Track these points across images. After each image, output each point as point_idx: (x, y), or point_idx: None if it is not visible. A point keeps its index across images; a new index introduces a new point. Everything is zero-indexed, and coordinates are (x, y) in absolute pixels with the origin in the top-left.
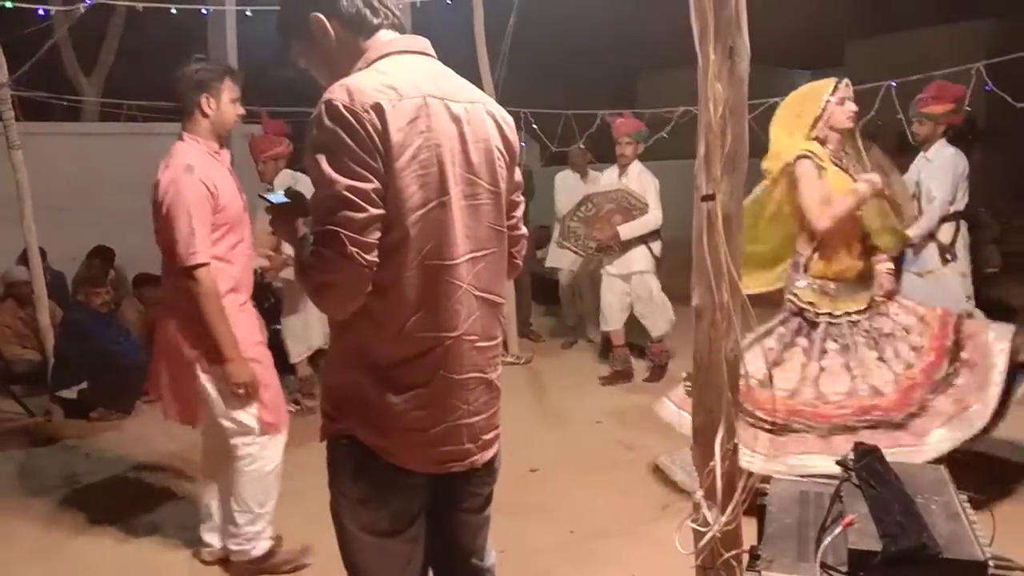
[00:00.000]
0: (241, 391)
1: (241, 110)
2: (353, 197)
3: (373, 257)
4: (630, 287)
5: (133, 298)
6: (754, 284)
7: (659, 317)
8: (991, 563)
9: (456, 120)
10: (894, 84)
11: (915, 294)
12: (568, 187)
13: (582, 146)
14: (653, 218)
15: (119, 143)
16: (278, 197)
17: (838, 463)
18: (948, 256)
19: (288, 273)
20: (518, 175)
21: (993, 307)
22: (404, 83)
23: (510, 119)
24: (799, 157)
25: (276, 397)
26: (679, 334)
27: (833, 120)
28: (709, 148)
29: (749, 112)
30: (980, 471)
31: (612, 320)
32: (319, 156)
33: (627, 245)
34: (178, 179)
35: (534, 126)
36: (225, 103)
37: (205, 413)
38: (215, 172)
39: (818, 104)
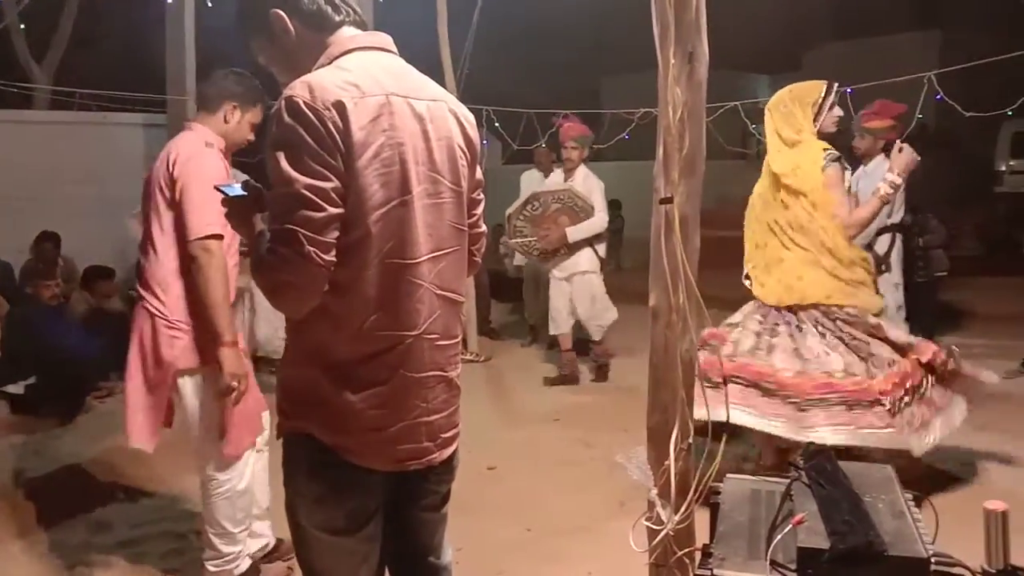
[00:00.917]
0: (234, 383)
1: (252, 137)
2: (312, 196)
3: (331, 257)
4: (572, 287)
5: (83, 291)
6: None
7: (599, 320)
8: (933, 560)
9: (419, 118)
10: (850, 90)
11: None
12: (533, 186)
13: (544, 145)
14: (599, 220)
15: (71, 132)
16: (234, 190)
17: (789, 463)
18: (883, 267)
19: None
20: (479, 173)
21: (941, 312)
22: (366, 80)
23: (471, 117)
24: (832, 160)
25: (245, 419)
26: (640, 332)
27: (823, 125)
28: (667, 151)
29: (708, 116)
30: (924, 469)
31: (561, 324)
32: (278, 153)
33: (573, 247)
34: (197, 154)
35: (496, 124)
36: (246, 122)
37: (172, 421)
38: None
39: (814, 107)
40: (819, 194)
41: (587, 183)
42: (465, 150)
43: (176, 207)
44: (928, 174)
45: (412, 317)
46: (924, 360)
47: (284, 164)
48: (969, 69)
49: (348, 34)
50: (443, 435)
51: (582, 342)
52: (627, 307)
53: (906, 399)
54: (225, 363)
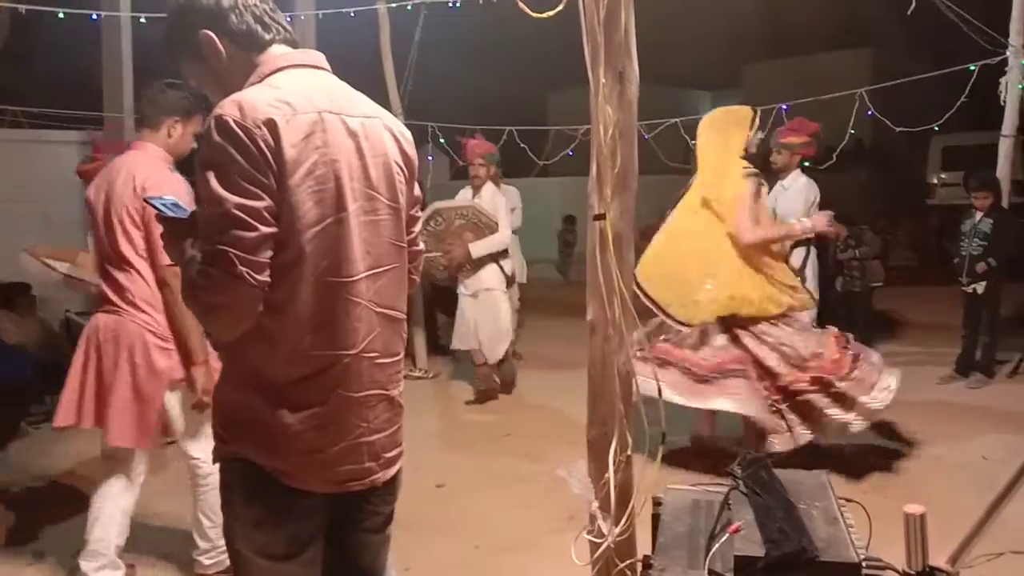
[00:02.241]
0: (206, 398)
1: (195, 144)
2: (243, 216)
3: (264, 277)
4: (477, 303)
5: (3, 310)
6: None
7: (498, 343)
8: (864, 564)
9: (353, 135)
10: (785, 107)
11: None
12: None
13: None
14: (502, 237)
15: (3, 150)
16: (171, 208)
17: (726, 471)
18: (799, 278)
19: None
20: (417, 190)
21: (877, 321)
22: (298, 98)
23: (408, 133)
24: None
25: None
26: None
27: (749, 146)
28: (600, 169)
29: (650, 132)
30: (857, 473)
31: (467, 339)
32: (208, 173)
33: (478, 263)
34: (159, 172)
35: (442, 140)
36: (188, 133)
37: (171, 430)
38: None
39: (746, 131)
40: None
41: (494, 200)
42: (402, 166)
43: (147, 230)
44: (863, 187)
45: (350, 336)
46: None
47: (214, 184)
48: (899, 87)
49: (279, 52)
50: (386, 455)
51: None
52: (578, 321)
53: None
54: (198, 381)
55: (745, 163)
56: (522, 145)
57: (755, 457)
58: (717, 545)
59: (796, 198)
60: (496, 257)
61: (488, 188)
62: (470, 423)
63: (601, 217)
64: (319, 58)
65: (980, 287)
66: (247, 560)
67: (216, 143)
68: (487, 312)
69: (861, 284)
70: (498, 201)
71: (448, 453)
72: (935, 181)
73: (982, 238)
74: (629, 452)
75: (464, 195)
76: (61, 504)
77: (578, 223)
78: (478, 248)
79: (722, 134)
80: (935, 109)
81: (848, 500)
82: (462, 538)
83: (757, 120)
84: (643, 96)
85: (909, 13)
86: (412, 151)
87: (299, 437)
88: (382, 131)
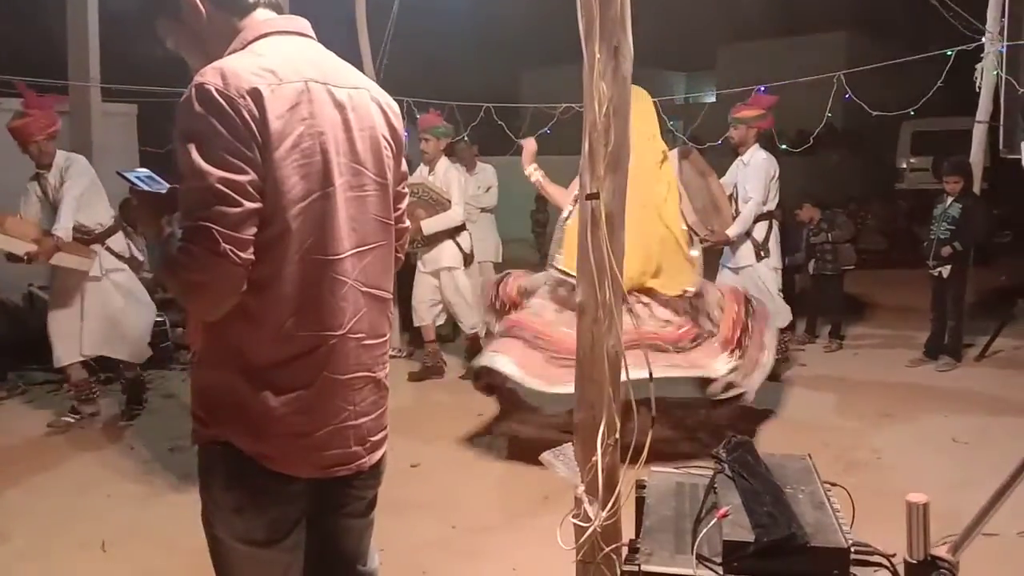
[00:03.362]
0: None
1: None
2: (227, 190)
3: (248, 255)
4: (440, 283)
5: None
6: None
7: (470, 311)
8: (853, 549)
9: (340, 106)
10: (762, 89)
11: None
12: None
13: (466, 139)
14: (455, 214)
15: None
16: (145, 181)
17: (712, 455)
18: (762, 253)
19: (60, 258)
20: (404, 165)
21: (848, 304)
22: (283, 66)
23: (395, 106)
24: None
25: None
26: None
27: None
28: (593, 147)
29: None
30: (840, 458)
31: (423, 315)
32: (189, 145)
33: (433, 241)
34: None
35: (418, 116)
36: None
37: None
38: None
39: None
40: None
41: (447, 176)
42: (390, 141)
43: None
44: (835, 171)
45: (336, 316)
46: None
47: (196, 156)
48: (872, 71)
49: (263, 17)
50: (372, 438)
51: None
52: None
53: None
54: None
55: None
56: (499, 123)
57: (740, 440)
58: (705, 530)
59: (756, 174)
60: (452, 234)
61: (442, 164)
62: (443, 402)
63: (594, 196)
64: (304, 25)
65: (945, 271)
66: (226, 546)
67: (197, 113)
68: (451, 291)
69: (833, 267)
70: (451, 177)
71: (422, 432)
72: (904, 165)
73: (951, 222)
74: (617, 436)
75: (420, 172)
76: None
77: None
78: (429, 225)
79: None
80: (907, 94)
81: (833, 484)
82: (439, 518)
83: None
84: None
85: None
86: (399, 125)
87: (283, 420)
88: (369, 103)
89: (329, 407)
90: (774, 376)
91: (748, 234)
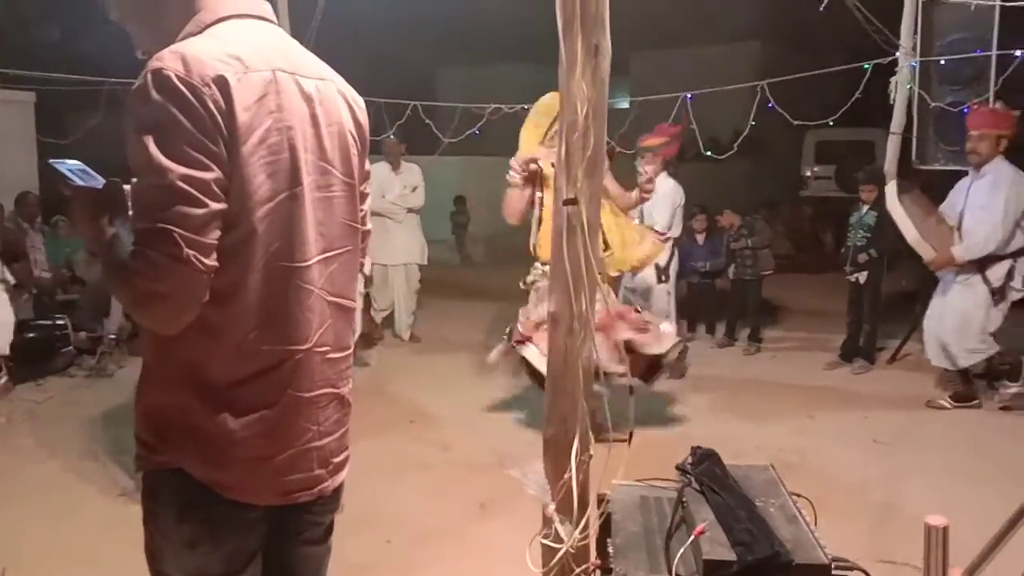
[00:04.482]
0: None
1: None
2: (189, 189)
3: (212, 261)
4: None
5: None
6: None
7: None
8: (833, 564)
9: (308, 99)
10: (689, 96)
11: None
12: (380, 179)
13: (393, 136)
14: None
15: None
16: (78, 174)
17: (677, 467)
18: (663, 277)
19: None
20: (368, 164)
21: (766, 308)
22: (249, 53)
23: (361, 101)
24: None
25: None
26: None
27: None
28: (570, 150)
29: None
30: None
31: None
32: (146, 138)
33: None
34: None
35: None
36: None
37: None
38: None
39: (551, 116)
40: None
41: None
42: (356, 138)
43: None
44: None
45: (302, 328)
46: None
47: (154, 151)
48: (781, 81)
49: None
50: (335, 460)
51: None
52: (475, 303)
53: None
54: None
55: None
56: (427, 122)
57: (706, 452)
58: (683, 549)
59: (664, 201)
60: None
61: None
62: (372, 409)
63: (572, 202)
64: (267, 9)
65: (862, 276)
66: None
67: (156, 103)
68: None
69: (752, 272)
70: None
71: (353, 442)
72: (808, 174)
73: (866, 230)
74: (591, 452)
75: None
76: None
77: (468, 203)
78: None
79: (534, 124)
80: (815, 104)
81: (799, 495)
82: (374, 532)
83: None
84: (528, 78)
85: (821, 9)
86: (365, 121)
87: (244, 444)
88: (336, 96)
89: (293, 428)
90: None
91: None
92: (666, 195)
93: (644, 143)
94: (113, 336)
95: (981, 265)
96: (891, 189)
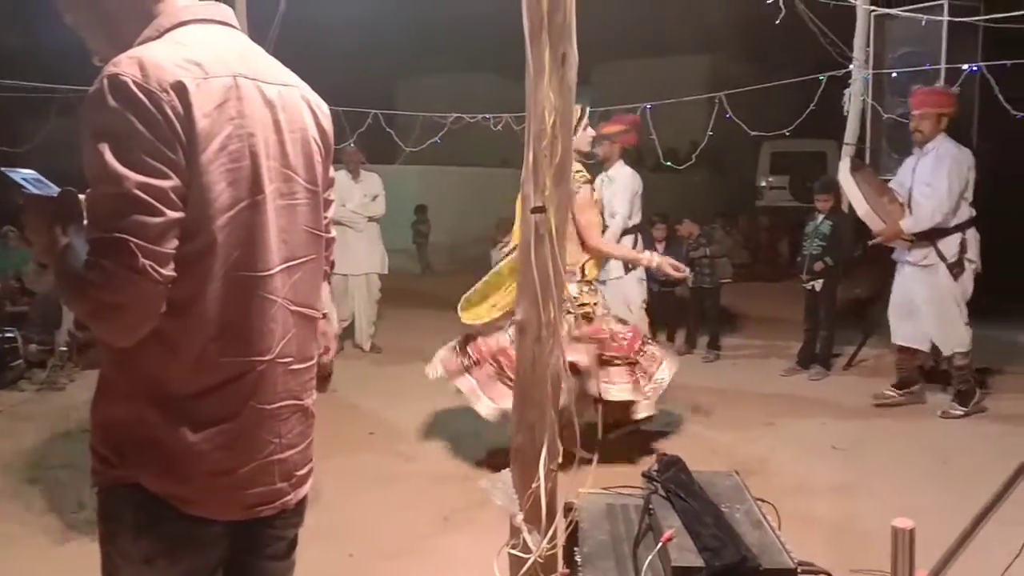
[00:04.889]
0: None
1: None
2: (147, 197)
3: (170, 271)
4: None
5: None
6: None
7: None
8: (799, 568)
9: (270, 105)
10: (649, 106)
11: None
12: (340, 187)
13: (353, 144)
14: None
15: None
16: (33, 183)
17: (643, 475)
18: (630, 266)
19: None
20: (332, 171)
21: (723, 316)
22: (210, 59)
23: (326, 107)
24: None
25: None
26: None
27: (578, 144)
28: (537, 159)
29: (495, 125)
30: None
31: None
32: (101, 145)
33: None
34: None
35: None
36: None
37: None
38: None
39: (574, 128)
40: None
41: None
42: (320, 144)
43: None
44: (699, 188)
45: (265, 339)
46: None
47: (110, 158)
48: (734, 93)
49: (183, 3)
50: (298, 473)
51: None
52: (435, 312)
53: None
54: None
55: (579, 167)
56: (388, 130)
57: (671, 459)
58: (651, 556)
59: (623, 190)
60: None
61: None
62: (333, 420)
63: (540, 210)
64: (228, 14)
65: (818, 284)
66: None
67: (112, 109)
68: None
69: (711, 280)
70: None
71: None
72: (764, 184)
73: (822, 239)
74: (559, 461)
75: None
76: None
77: (428, 212)
78: None
79: None
80: (770, 116)
81: (763, 501)
82: (335, 546)
83: (585, 118)
84: (489, 88)
85: (778, 22)
86: (329, 126)
87: (204, 457)
88: (300, 103)
89: (255, 441)
90: None
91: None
92: (625, 184)
93: (603, 130)
94: (64, 349)
95: (932, 240)
96: (844, 165)
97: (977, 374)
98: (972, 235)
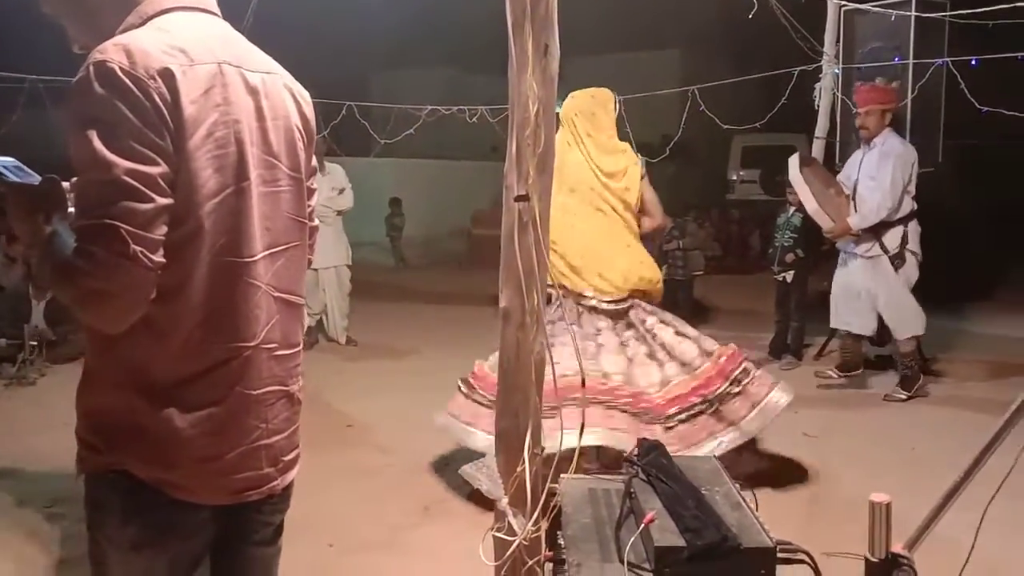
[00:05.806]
0: None
1: None
2: (136, 184)
3: (159, 257)
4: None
5: None
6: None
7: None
8: (778, 547)
9: (253, 92)
10: (621, 100)
11: None
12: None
13: (326, 135)
14: None
15: None
16: (12, 171)
17: (624, 459)
18: None
19: None
20: (314, 159)
21: (695, 308)
22: (194, 45)
23: (307, 95)
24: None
25: None
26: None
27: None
28: (520, 148)
29: (471, 117)
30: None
31: None
32: (89, 132)
33: None
34: None
35: None
36: None
37: None
38: None
39: (614, 112)
40: (637, 193)
41: None
42: (302, 132)
43: None
44: (671, 182)
45: (250, 325)
46: (724, 366)
47: (98, 145)
48: (707, 87)
49: None
50: (285, 458)
51: None
52: (410, 306)
53: (686, 413)
54: None
55: (625, 145)
56: (362, 122)
57: (652, 443)
58: (633, 537)
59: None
60: None
61: None
62: (309, 414)
63: (523, 198)
64: (210, 2)
65: (789, 276)
66: None
67: (99, 96)
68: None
69: (684, 272)
70: None
71: None
72: (735, 177)
73: (793, 231)
74: (543, 445)
75: None
76: None
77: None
78: None
79: (594, 120)
80: (740, 110)
81: (743, 484)
82: (314, 539)
83: (618, 104)
84: (462, 81)
85: (750, 16)
86: (312, 115)
87: (191, 443)
88: (282, 90)
89: (241, 426)
90: None
91: None
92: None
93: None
94: (34, 343)
95: (877, 233)
96: (793, 162)
97: (923, 361)
98: (913, 227)
